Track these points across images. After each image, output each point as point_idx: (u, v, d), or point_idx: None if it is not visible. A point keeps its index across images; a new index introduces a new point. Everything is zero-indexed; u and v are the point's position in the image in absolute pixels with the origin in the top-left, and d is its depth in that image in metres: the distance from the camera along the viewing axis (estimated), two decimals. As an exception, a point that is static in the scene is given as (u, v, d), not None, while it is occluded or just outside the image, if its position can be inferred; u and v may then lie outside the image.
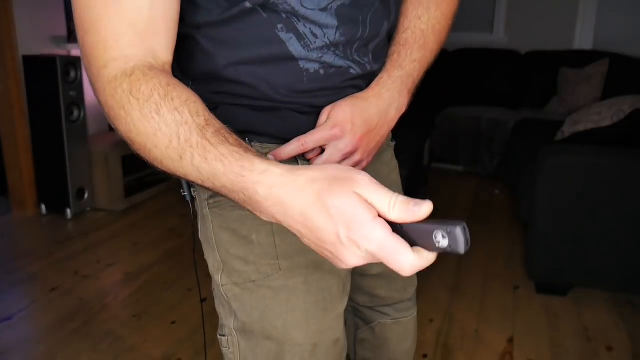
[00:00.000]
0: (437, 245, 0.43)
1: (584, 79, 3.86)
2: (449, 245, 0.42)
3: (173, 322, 2.06)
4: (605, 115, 2.54)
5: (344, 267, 0.49)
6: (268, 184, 0.49)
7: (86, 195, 3.19)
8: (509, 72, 4.26)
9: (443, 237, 0.43)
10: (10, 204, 3.22)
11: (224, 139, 0.53)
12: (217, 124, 0.55)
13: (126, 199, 3.24)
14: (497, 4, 4.46)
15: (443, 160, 4.05)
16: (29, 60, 2.96)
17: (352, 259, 0.47)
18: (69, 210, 3.11)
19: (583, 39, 4.24)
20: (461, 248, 0.42)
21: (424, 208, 0.45)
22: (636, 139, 2.36)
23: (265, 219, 0.52)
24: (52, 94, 2.91)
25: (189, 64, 0.69)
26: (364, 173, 0.47)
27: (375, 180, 0.47)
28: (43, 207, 3.17)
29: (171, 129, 0.53)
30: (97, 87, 0.58)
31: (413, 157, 2.72)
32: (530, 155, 2.77)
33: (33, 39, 3.07)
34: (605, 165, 2.02)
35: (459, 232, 0.42)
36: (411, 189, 2.99)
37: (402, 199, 0.45)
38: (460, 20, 4.78)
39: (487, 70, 4.32)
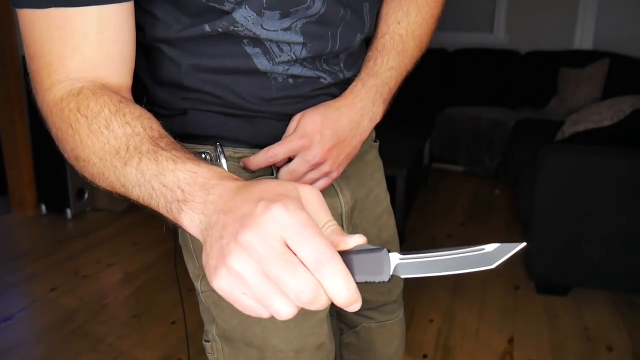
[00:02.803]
0: (359, 275, 0.39)
1: (584, 79, 3.86)
2: (372, 272, 0.39)
3: (173, 322, 2.06)
4: (605, 115, 2.54)
5: (236, 250, 0.37)
6: (223, 174, 0.45)
7: (86, 195, 3.19)
8: (509, 72, 4.26)
9: (366, 263, 0.39)
10: (10, 204, 3.22)
11: (180, 147, 0.50)
12: (172, 139, 0.51)
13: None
14: (497, 4, 4.46)
15: (443, 160, 4.05)
16: (29, 60, 2.96)
17: (257, 229, 0.36)
18: (69, 210, 3.11)
19: (583, 39, 4.24)
20: (385, 275, 0.39)
21: (355, 237, 0.40)
22: (636, 139, 2.36)
23: (187, 221, 0.44)
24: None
25: (156, 70, 0.68)
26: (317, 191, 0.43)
27: (323, 200, 0.43)
28: (43, 207, 3.17)
29: (120, 141, 0.50)
30: (44, 110, 0.56)
31: (413, 157, 2.72)
32: (530, 155, 2.77)
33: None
34: (606, 165, 2.02)
35: (384, 256, 0.39)
36: (411, 189, 2.99)
37: (338, 226, 0.41)
38: (460, 20, 4.74)
39: (487, 70, 4.31)
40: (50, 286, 2.33)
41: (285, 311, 0.37)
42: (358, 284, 0.38)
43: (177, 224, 0.46)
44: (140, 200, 0.49)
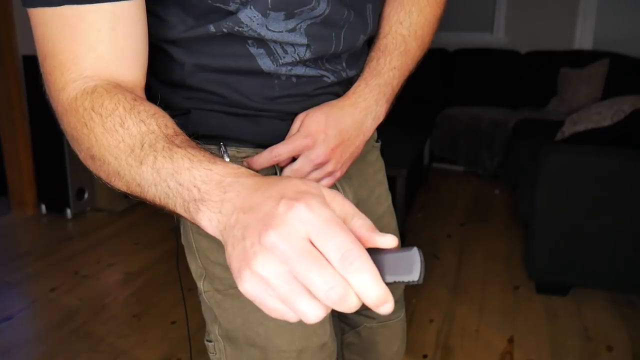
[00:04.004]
0: (389, 275, 0.37)
1: (584, 79, 3.86)
2: (402, 272, 0.37)
3: (173, 322, 2.06)
4: (605, 115, 2.54)
5: (262, 253, 0.36)
6: (239, 170, 0.44)
7: (86, 195, 3.19)
8: (509, 72, 4.26)
9: (397, 263, 0.37)
10: (10, 204, 3.22)
11: (195, 145, 0.49)
12: (186, 137, 0.51)
13: (126, 199, 3.23)
14: (497, 4, 4.46)
15: (443, 160, 4.05)
16: (29, 60, 2.96)
17: (281, 229, 0.36)
18: (69, 210, 3.10)
19: (583, 39, 4.24)
20: (416, 275, 0.37)
21: (388, 238, 0.38)
22: (636, 139, 2.36)
23: (205, 221, 0.43)
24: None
25: (159, 70, 0.68)
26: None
27: (346, 199, 0.42)
28: (43, 207, 3.17)
29: (135, 139, 0.49)
30: (59, 110, 0.55)
31: (413, 157, 2.72)
32: (530, 155, 2.77)
33: (33, 39, 3.07)
34: (606, 165, 2.02)
35: (414, 255, 0.37)
36: (411, 189, 2.99)
37: (368, 221, 0.40)
38: (460, 20, 4.74)
39: (487, 70, 4.31)
40: (50, 286, 2.33)
41: (312, 312, 0.36)
42: (388, 284, 0.37)
43: (196, 224, 0.45)
44: (157, 200, 0.48)
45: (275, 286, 0.36)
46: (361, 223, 0.39)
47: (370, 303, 0.36)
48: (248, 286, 0.37)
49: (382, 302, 0.36)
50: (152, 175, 0.47)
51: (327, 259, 0.35)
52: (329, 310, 0.37)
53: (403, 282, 0.37)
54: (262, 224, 0.37)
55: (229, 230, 0.40)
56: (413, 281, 0.37)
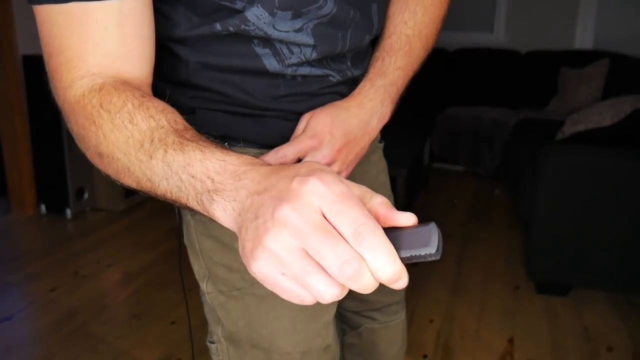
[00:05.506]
0: (404, 250, 0.36)
1: (584, 79, 3.86)
2: (419, 246, 0.36)
3: (173, 322, 2.06)
4: (605, 115, 2.54)
5: (277, 230, 0.35)
6: (253, 160, 0.44)
7: (86, 195, 3.19)
8: (509, 72, 4.25)
9: (415, 239, 0.36)
10: (10, 204, 3.22)
11: (206, 138, 0.49)
12: (196, 132, 0.51)
13: (126, 198, 3.24)
14: (497, 4, 4.46)
15: (443, 160, 4.05)
16: (29, 60, 2.96)
17: (294, 202, 0.35)
18: (68, 210, 3.10)
19: (583, 39, 4.24)
20: (434, 247, 0.35)
21: (408, 216, 0.37)
22: (636, 139, 2.36)
23: (220, 211, 0.42)
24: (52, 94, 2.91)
25: (164, 69, 0.68)
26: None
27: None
28: (43, 207, 3.17)
29: (145, 134, 0.49)
30: (65, 109, 0.55)
31: (413, 157, 2.72)
32: (530, 155, 2.77)
33: (33, 39, 3.07)
34: (606, 165, 2.02)
35: (432, 228, 0.36)
36: (411, 189, 2.99)
37: (386, 200, 0.39)
38: (460, 20, 4.72)
39: (487, 70, 4.31)
40: (50, 286, 2.33)
41: (326, 291, 0.35)
42: (404, 260, 0.36)
43: (209, 216, 0.44)
44: (168, 195, 0.47)
45: (288, 263, 0.35)
46: (381, 201, 0.38)
47: (384, 279, 0.35)
48: (261, 264, 0.36)
49: (397, 278, 0.35)
50: (162, 169, 0.47)
51: (340, 234, 0.34)
52: (346, 291, 0.36)
53: (420, 256, 0.36)
54: (276, 200, 0.36)
55: (243, 215, 0.39)
56: (430, 254, 0.36)
